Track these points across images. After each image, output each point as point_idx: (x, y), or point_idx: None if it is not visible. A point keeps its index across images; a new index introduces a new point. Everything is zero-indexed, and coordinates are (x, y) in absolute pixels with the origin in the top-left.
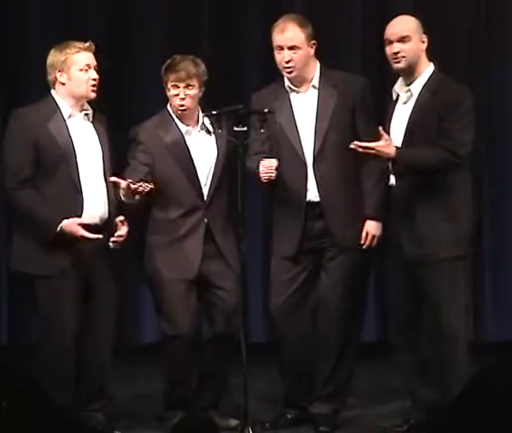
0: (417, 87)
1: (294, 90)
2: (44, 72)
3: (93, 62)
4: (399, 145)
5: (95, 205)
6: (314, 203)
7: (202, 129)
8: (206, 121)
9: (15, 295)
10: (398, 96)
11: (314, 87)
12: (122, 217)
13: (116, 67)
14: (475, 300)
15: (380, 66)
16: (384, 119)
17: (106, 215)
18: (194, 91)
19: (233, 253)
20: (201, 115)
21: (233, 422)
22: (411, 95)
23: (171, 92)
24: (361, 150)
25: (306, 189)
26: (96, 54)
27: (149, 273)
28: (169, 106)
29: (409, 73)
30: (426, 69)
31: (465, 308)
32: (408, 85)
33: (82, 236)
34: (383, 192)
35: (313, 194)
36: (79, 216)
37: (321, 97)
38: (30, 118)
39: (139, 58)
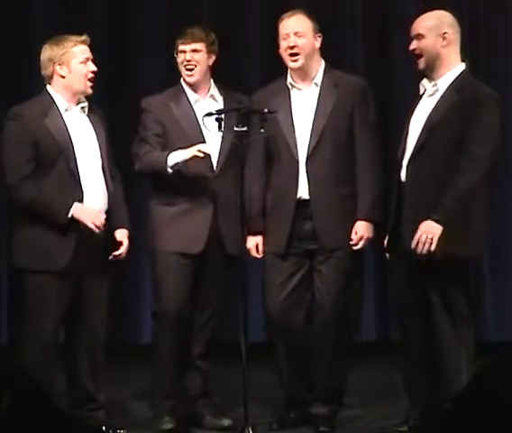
0: (444, 83)
1: (295, 87)
2: None
3: (90, 55)
4: (416, 138)
5: (94, 197)
6: (304, 201)
7: (211, 99)
8: (216, 92)
9: (15, 295)
10: (425, 90)
11: (316, 84)
12: (124, 232)
13: (116, 65)
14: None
15: (384, 65)
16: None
17: (106, 206)
18: (200, 56)
19: (232, 233)
20: (212, 85)
21: (226, 422)
22: (437, 89)
23: (180, 59)
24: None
25: (297, 187)
26: (90, 47)
27: (151, 244)
28: (182, 80)
29: (431, 71)
30: (456, 67)
31: (469, 307)
32: (435, 80)
33: (92, 226)
34: (380, 190)
35: (304, 192)
36: None
37: (321, 95)
38: (27, 116)
39: (138, 57)
